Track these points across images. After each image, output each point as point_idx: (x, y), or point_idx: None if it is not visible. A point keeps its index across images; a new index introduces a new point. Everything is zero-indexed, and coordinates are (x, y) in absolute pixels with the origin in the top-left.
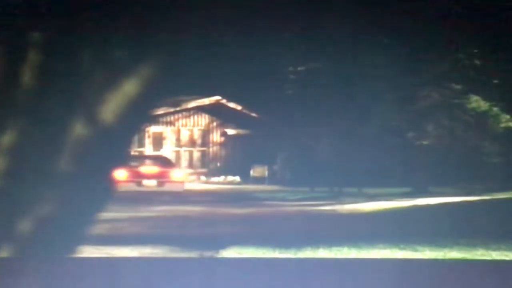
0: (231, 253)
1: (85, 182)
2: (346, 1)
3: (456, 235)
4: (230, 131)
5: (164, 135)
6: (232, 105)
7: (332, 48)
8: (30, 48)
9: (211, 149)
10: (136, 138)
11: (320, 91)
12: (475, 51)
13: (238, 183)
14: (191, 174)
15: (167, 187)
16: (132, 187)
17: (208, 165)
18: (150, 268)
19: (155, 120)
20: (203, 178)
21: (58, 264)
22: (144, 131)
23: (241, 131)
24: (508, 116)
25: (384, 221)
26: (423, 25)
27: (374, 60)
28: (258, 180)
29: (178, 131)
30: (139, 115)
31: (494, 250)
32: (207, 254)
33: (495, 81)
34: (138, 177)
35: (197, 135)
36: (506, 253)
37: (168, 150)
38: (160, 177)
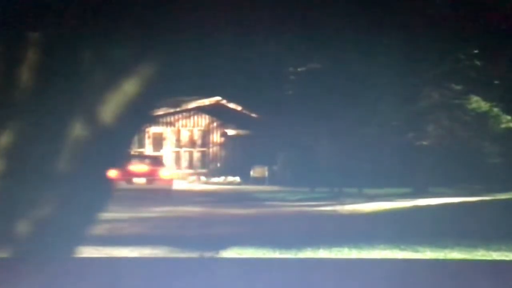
0: (231, 253)
1: (84, 182)
2: (346, 1)
3: (456, 236)
4: (230, 132)
5: (164, 135)
6: (232, 105)
7: (332, 48)
8: (30, 48)
9: (211, 150)
10: (136, 138)
11: (320, 91)
12: (476, 51)
13: (238, 184)
14: (191, 174)
15: (155, 185)
16: (123, 185)
17: (208, 165)
18: (150, 268)
19: (155, 120)
20: (203, 178)
21: (58, 264)
22: (144, 131)
23: (241, 132)
24: (508, 117)
25: (384, 221)
26: (423, 25)
27: (374, 61)
28: (258, 180)
29: (178, 132)
30: (139, 116)
31: (495, 250)
32: (207, 254)
33: (496, 82)
34: (128, 175)
35: (197, 135)
36: (506, 253)
37: (168, 151)
38: (149, 175)
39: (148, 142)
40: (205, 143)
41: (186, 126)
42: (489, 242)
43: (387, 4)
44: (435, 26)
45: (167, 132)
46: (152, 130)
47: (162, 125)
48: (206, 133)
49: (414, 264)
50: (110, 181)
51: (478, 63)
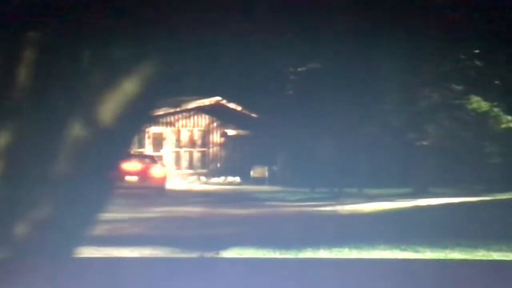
0: (231, 254)
1: (84, 182)
2: (347, 1)
3: (457, 236)
4: (230, 132)
5: (164, 135)
6: (232, 105)
7: (332, 48)
8: (28, 48)
9: (211, 150)
10: (136, 138)
11: (320, 91)
12: (476, 51)
13: (238, 184)
14: (191, 174)
15: (147, 182)
16: (116, 182)
17: (208, 165)
18: (150, 268)
19: (155, 120)
20: (203, 178)
21: (58, 265)
22: (144, 131)
23: (241, 132)
24: (509, 117)
25: (385, 221)
26: (423, 26)
27: (374, 61)
28: (258, 180)
29: (178, 132)
30: (139, 116)
31: (495, 251)
32: (208, 255)
33: (496, 82)
34: (121, 173)
35: (197, 135)
36: (507, 254)
37: (168, 151)
38: (141, 173)
39: (148, 142)
40: (205, 143)
41: (186, 126)
42: (490, 242)
43: (387, 5)
44: (436, 27)
45: (167, 132)
46: (152, 130)
47: (162, 125)
48: (206, 133)
49: (414, 264)
50: (110, 181)
51: (478, 63)
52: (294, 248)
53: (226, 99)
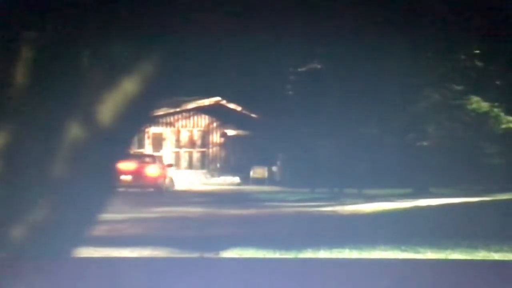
0: (231, 254)
1: (84, 183)
2: (347, 1)
3: (457, 236)
4: (230, 132)
5: (164, 136)
6: (232, 105)
7: (333, 48)
8: (27, 48)
9: (211, 150)
10: (136, 139)
11: (321, 91)
12: (476, 51)
13: (238, 184)
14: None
15: (141, 181)
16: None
17: (208, 166)
18: (150, 269)
19: (155, 121)
20: (203, 179)
21: (58, 264)
22: (144, 132)
23: (241, 132)
24: (509, 117)
25: (385, 222)
26: (424, 26)
27: (374, 61)
28: (258, 181)
29: (178, 132)
30: (139, 116)
31: (496, 251)
32: (208, 255)
33: (496, 82)
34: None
35: (197, 136)
36: (507, 254)
37: (168, 151)
38: (136, 173)
39: (148, 142)
40: (205, 143)
41: (186, 126)
42: (490, 242)
43: (388, 5)
44: (436, 27)
45: (167, 132)
46: (152, 130)
47: (162, 125)
48: (206, 134)
49: (415, 264)
50: (110, 181)
51: (478, 63)
52: (294, 248)
53: (226, 99)
